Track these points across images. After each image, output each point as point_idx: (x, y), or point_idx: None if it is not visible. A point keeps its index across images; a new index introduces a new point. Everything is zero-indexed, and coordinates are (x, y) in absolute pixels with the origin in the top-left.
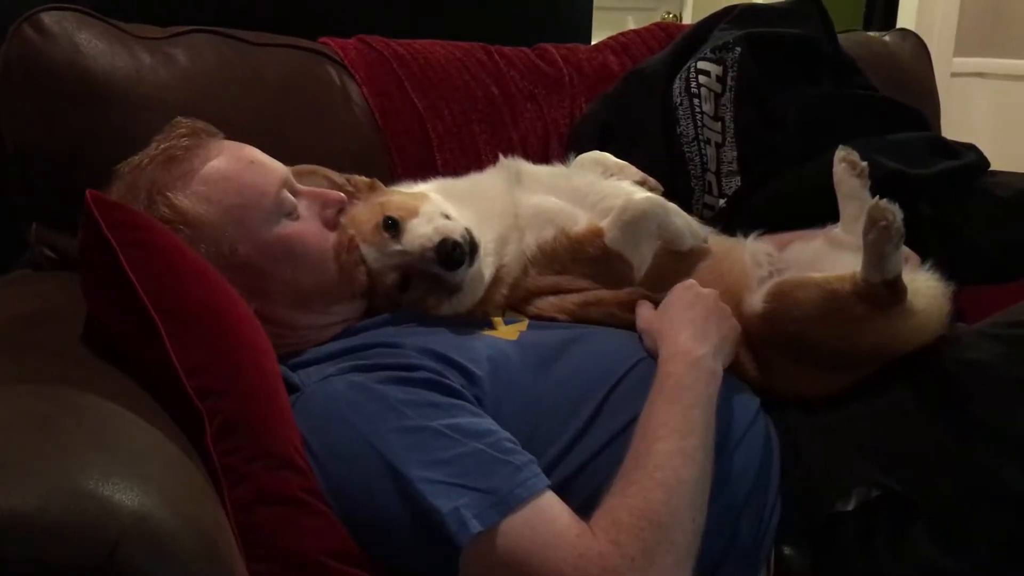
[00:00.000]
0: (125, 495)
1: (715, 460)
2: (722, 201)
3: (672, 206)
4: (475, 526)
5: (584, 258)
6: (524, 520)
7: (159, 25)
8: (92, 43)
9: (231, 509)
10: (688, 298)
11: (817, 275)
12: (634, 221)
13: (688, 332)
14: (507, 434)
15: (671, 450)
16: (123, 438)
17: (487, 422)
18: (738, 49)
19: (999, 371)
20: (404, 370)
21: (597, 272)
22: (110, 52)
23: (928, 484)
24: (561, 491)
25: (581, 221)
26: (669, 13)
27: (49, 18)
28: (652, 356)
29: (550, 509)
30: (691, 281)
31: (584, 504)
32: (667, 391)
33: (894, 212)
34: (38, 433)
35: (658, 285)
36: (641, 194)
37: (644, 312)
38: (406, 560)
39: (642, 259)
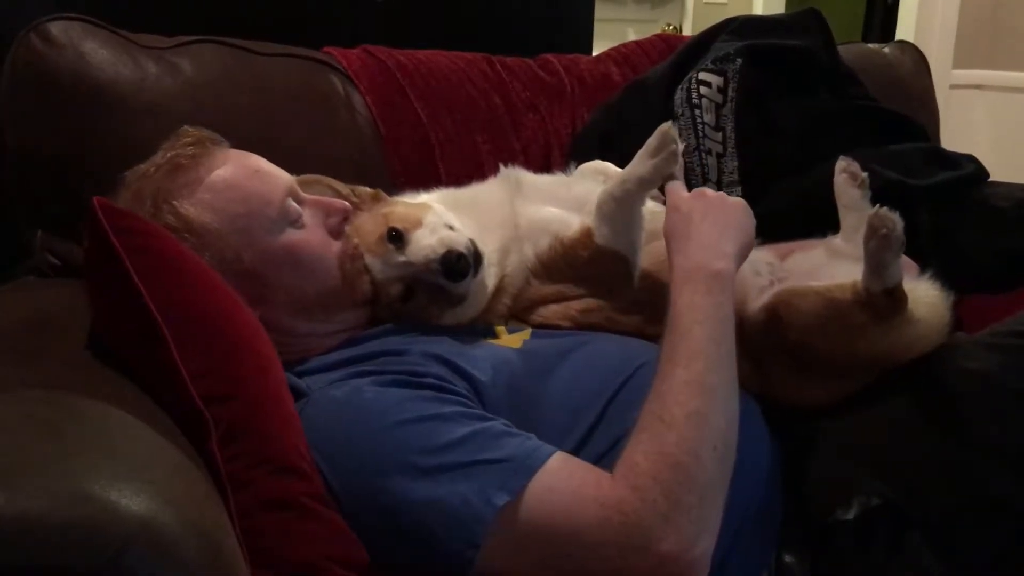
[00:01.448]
0: (131, 500)
1: None
2: None
3: (633, 170)
4: (501, 497)
5: (579, 262)
6: (543, 484)
7: (164, 35)
8: (98, 52)
9: (236, 515)
10: (677, 216)
11: (818, 284)
12: (615, 208)
13: (680, 248)
14: (504, 420)
15: (675, 384)
16: (128, 443)
17: (488, 415)
18: (739, 60)
19: (998, 381)
20: (411, 375)
21: (595, 276)
22: (115, 61)
23: (926, 493)
24: None
25: (575, 227)
26: (669, 24)
27: (55, 27)
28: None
29: (565, 467)
30: (674, 194)
31: None
32: (668, 322)
33: (895, 221)
34: (44, 438)
35: (659, 293)
36: (610, 183)
37: (669, 210)
38: (418, 561)
39: (635, 250)
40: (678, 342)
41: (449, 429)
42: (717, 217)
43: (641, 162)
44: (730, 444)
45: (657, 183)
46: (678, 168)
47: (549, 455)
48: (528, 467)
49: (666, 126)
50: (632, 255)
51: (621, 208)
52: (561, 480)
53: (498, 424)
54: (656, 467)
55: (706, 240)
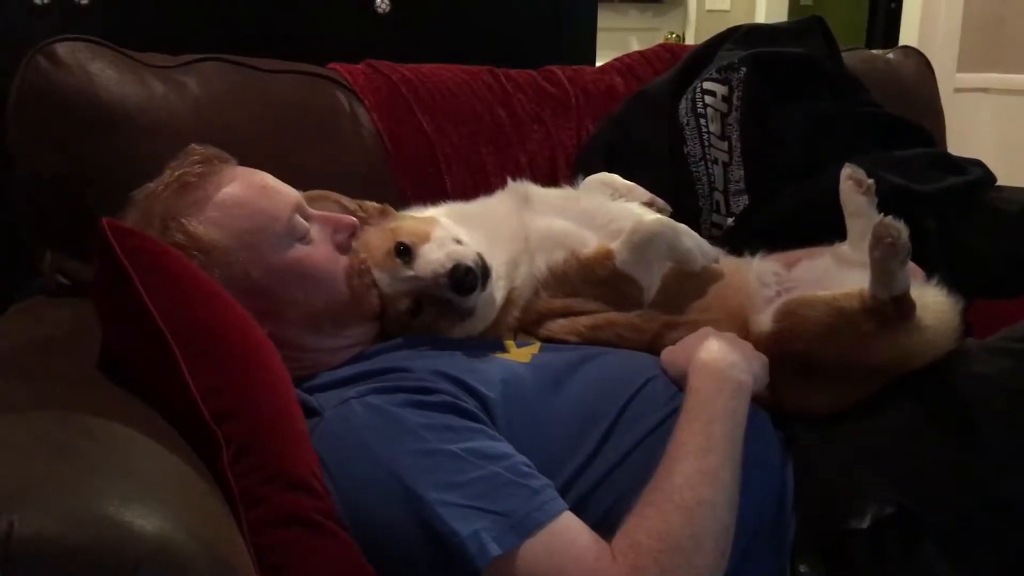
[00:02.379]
0: (144, 520)
1: None
2: (730, 220)
3: (682, 227)
4: (494, 549)
5: (594, 280)
6: (543, 544)
7: (170, 54)
8: (104, 72)
9: (247, 532)
10: (706, 332)
11: (825, 293)
12: (644, 243)
13: (711, 346)
14: (523, 458)
15: (690, 471)
16: (140, 463)
17: (504, 446)
18: (743, 69)
19: (1009, 386)
20: (422, 393)
21: (607, 294)
22: (122, 81)
23: (938, 499)
24: (576, 510)
25: (591, 243)
26: (672, 33)
27: (62, 48)
28: (679, 385)
29: (568, 532)
30: (708, 328)
31: (600, 522)
32: (689, 408)
33: (900, 229)
34: (56, 459)
35: (668, 306)
36: (651, 216)
37: (665, 352)
38: None
39: (652, 281)
40: (697, 431)
41: (459, 468)
42: (745, 346)
43: (699, 244)
44: (728, 542)
45: (690, 263)
46: None
47: (554, 515)
48: (525, 526)
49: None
50: (648, 285)
51: (654, 245)
52: (563, 545)
53: (515, 465)
54: (659, 548)
55: (734, 350)
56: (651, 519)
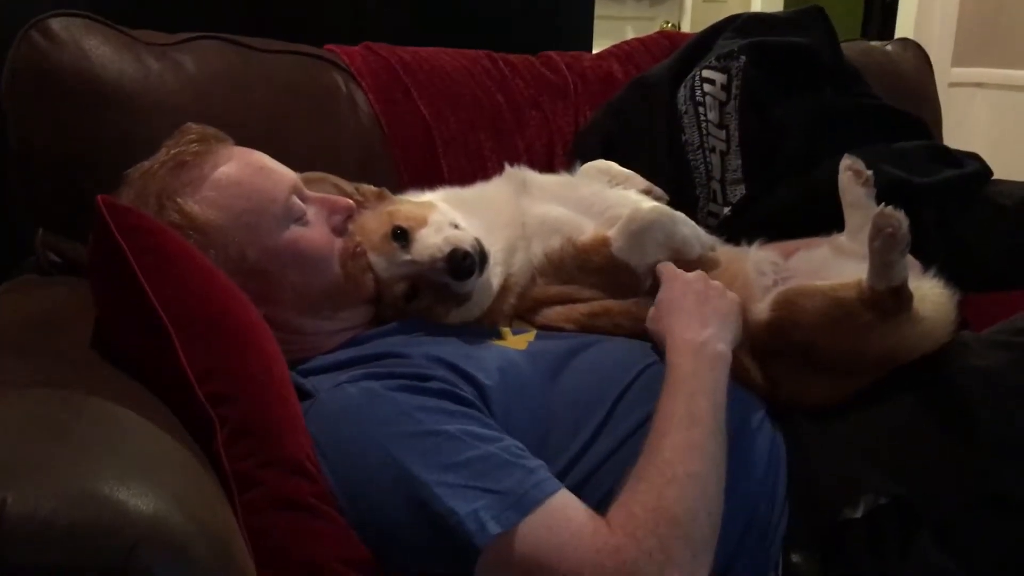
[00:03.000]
0: (140, 500)
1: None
2: (727, 209)
3: (679, 215)
4: (494, 528)
5: (591, 267)
6: (541, 521)
7: (166, 31)
8: (100, 49)
9: (244, 514)
10: (677, 289)
11: (823, 283)
12: (641, 231)
13: (684, 321)
14: (516, 441)
15: (678, 444)
16: (136, 443)
17: (497, 432)
18: (743, 58)
19: (1005, 378)
20: (418, 379)
21: (604, 281)
22: (118, 58)
23: (934, 491)
24: None
25: (587, 230)
26: (668, 22)
27: (57, 24)
28: (662, 355)
29: (566, 508)
30: (672, 270)
31: (596, 508)
32: (671, 383)
33: (900, 219)
34: (52, 438)
35: None
36: (648, 203)
37: (648, 316)
38: (420, 566)
39: (648, 269)
40: (681, 405)
41: (455, 449)
42: (717, 305)
43: (695, 232)
44: (719, 513)
45: (687, 251)
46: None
47: (550, 493)
48: (524, 504)
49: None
50: (643, 273)
51: (651, 233)
52: (560, 520)
53: (505, 449)
54: (654, 519)
55: (708, 321)
56: (644, 493)
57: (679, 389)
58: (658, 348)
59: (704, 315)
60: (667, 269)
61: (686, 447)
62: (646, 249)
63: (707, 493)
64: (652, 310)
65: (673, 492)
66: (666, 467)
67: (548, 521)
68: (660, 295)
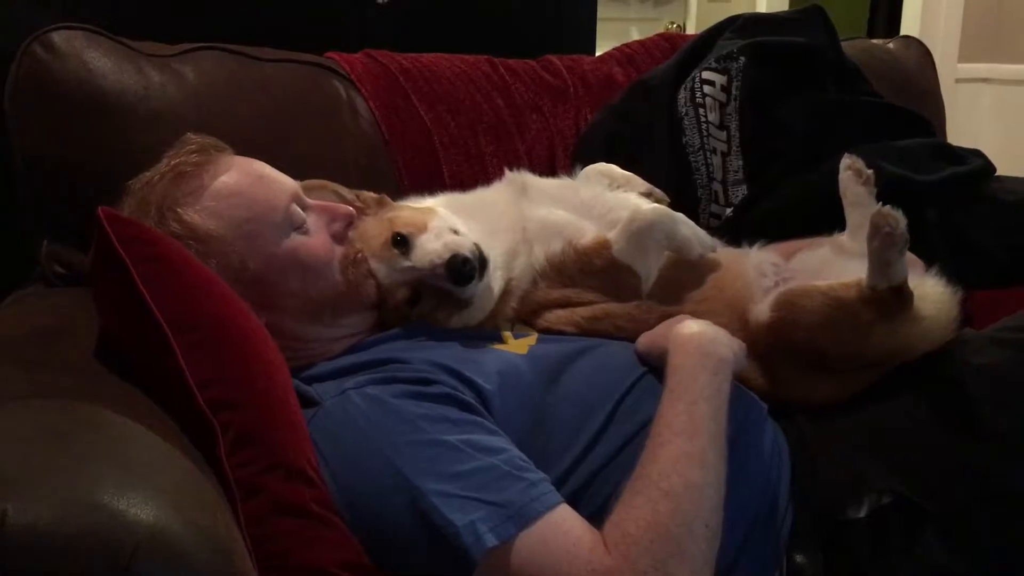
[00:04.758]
0: (140, 508)
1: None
2: (728, 210)
3: (679, 216)
4: (490, 540)
5: (592, 270)
6: (538, 535)
7: (167, 43)
8: (101, 61)
9: (244, 521)
10: (683, 316)
11: (823, 283)
12: (641, 232)
13: (691, 323)
14: (520, 452)
15: (676, 454)
16: (137, 452)
17: (501, 440)
18: (742, 59)
19: (1008, 376)
20: (420, 384)
21: (605, 284)
22: (119, 69)
23: (938, 489)
24: (573, 502)
25: (588, 233)
26: (673, 23)
27: (59, 37)
28: (661, 367)
29: (564, 523)
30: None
31: (596, 513)
32: (671, 387)
33: (897, 218)
34: (53, 447)
35: (666, 297)
36: (648, 205)
37: (642, 337)
38: (419, 573)
39: (649, 270)
40: (681, 412)
41: (457, 459)
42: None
43: (696, 233)
44: (719, 523)
45: (687, 252)
46: None
47: (550, 507)
48: (522, 517)
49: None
50: (646, 275)
51: (651, 234)
52: (558, 535)
53: (506, 460)
54: (649, 537)
55: (715, 327)
56: (639, 508)
57: (681, 395)
58: (656, 361)
59: (707, 323)
60: None
61: (684, 457)
62: (647, 250)
63: (705, 504)
64: (647, 334)
65: (667, 506)
66: (662, 479)
67: (546, 534)
68: (665, 322)
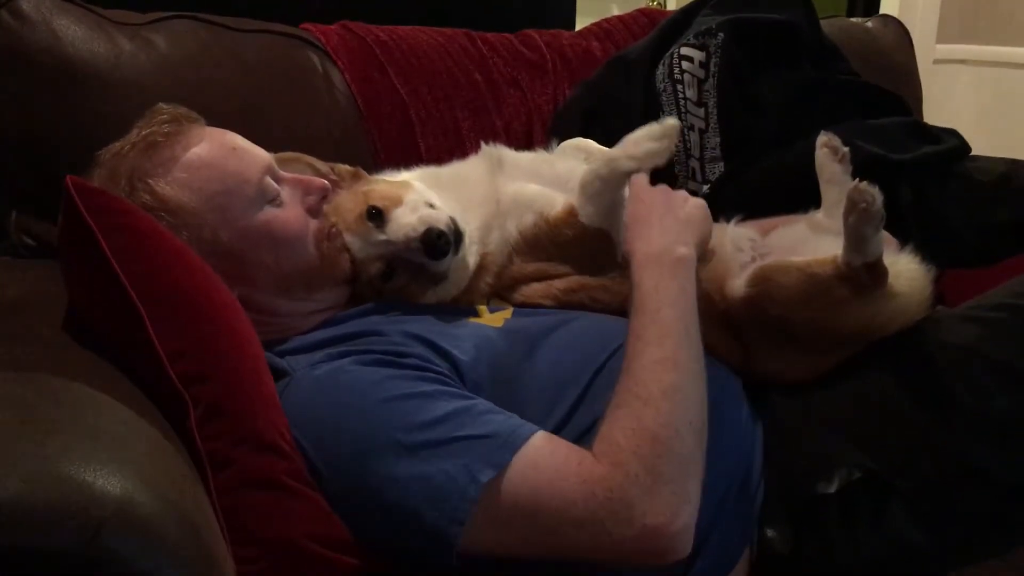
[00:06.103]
0: (107, 480)
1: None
2: (706, 187)
3: (615, 152)
4: (487, 473)
5: (564, 240)
6: (527, 461)
7: (138, 11)
8: (71, 29)
9: (216, 493)
10: (641, 206)
11: (799, 259)
12: (600, 192)
13: (644, 236)
14: (489, 402)
15: (648, 362)
16: (104, 423)
17: (472, 396)
18: (721, 35)
19: (979, 354)
20: (394, 355)
21: (579, 254)
22: (89, 38)
23: (907, 464)
24: None
25: (559, 205)
26: (654, 0)
27: (28, 4)
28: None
29: (548, 444)
30: (636, 188)
31: None
32: (636, 303)
33: (874, 194)
34: (19, 419)
35: None
36: (597, 162)
37: (632, 199)
38: (403, 539)
39: (618, 227)
40: (648, 323)
41: (433, 406)
42: (679, 212)
43: (636, 145)
44: (704, 419)
45: (643, 169)
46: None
47: (532, 433)
48: (511, 443)
49: (676, 123)
50: (617, 234)
51: (607, 187)
52: (544, 457)
53: (481, 403)
54: (636, 442)
55: (668, 229)
56: (623, 419)
57: (644, 307)
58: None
59: (664, 225)
60: (632, 187)
61: (658, 363)
62: (612, 208)
63: (687, 403)
64: (626, 231)
65: (651, 412)
66: (641, 388)
67: (534, 459)
68: (626, 214)
